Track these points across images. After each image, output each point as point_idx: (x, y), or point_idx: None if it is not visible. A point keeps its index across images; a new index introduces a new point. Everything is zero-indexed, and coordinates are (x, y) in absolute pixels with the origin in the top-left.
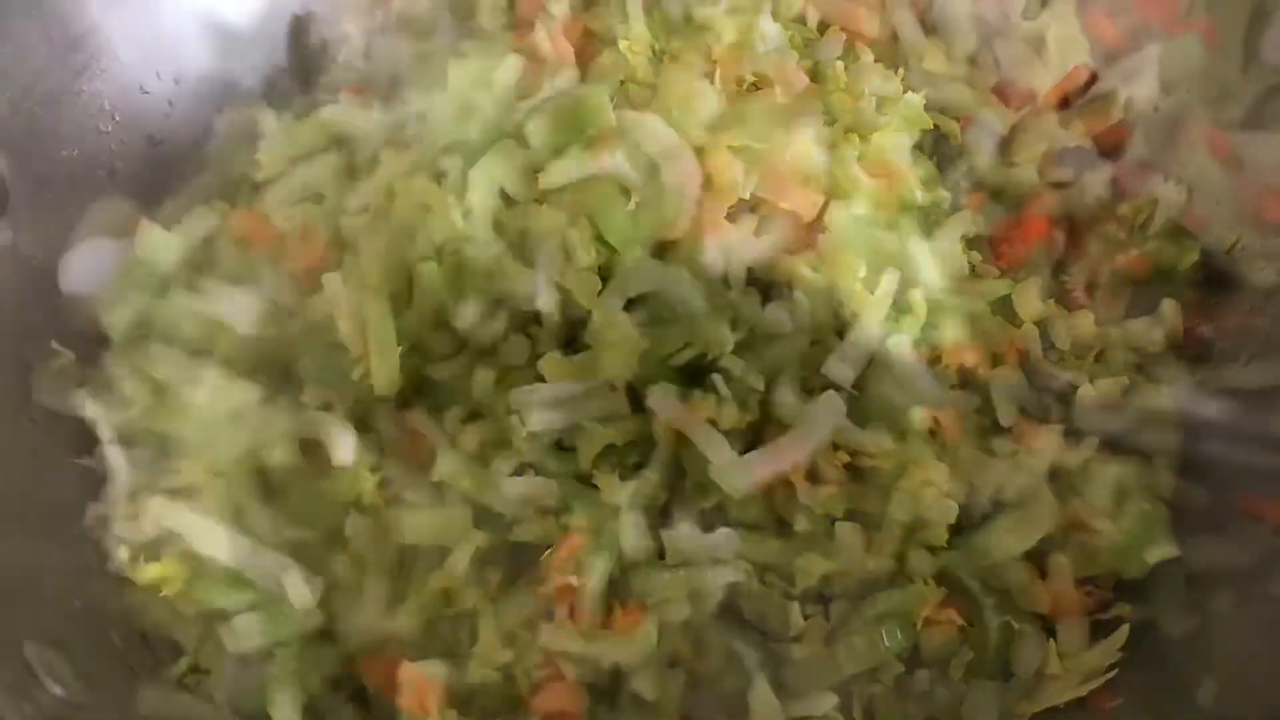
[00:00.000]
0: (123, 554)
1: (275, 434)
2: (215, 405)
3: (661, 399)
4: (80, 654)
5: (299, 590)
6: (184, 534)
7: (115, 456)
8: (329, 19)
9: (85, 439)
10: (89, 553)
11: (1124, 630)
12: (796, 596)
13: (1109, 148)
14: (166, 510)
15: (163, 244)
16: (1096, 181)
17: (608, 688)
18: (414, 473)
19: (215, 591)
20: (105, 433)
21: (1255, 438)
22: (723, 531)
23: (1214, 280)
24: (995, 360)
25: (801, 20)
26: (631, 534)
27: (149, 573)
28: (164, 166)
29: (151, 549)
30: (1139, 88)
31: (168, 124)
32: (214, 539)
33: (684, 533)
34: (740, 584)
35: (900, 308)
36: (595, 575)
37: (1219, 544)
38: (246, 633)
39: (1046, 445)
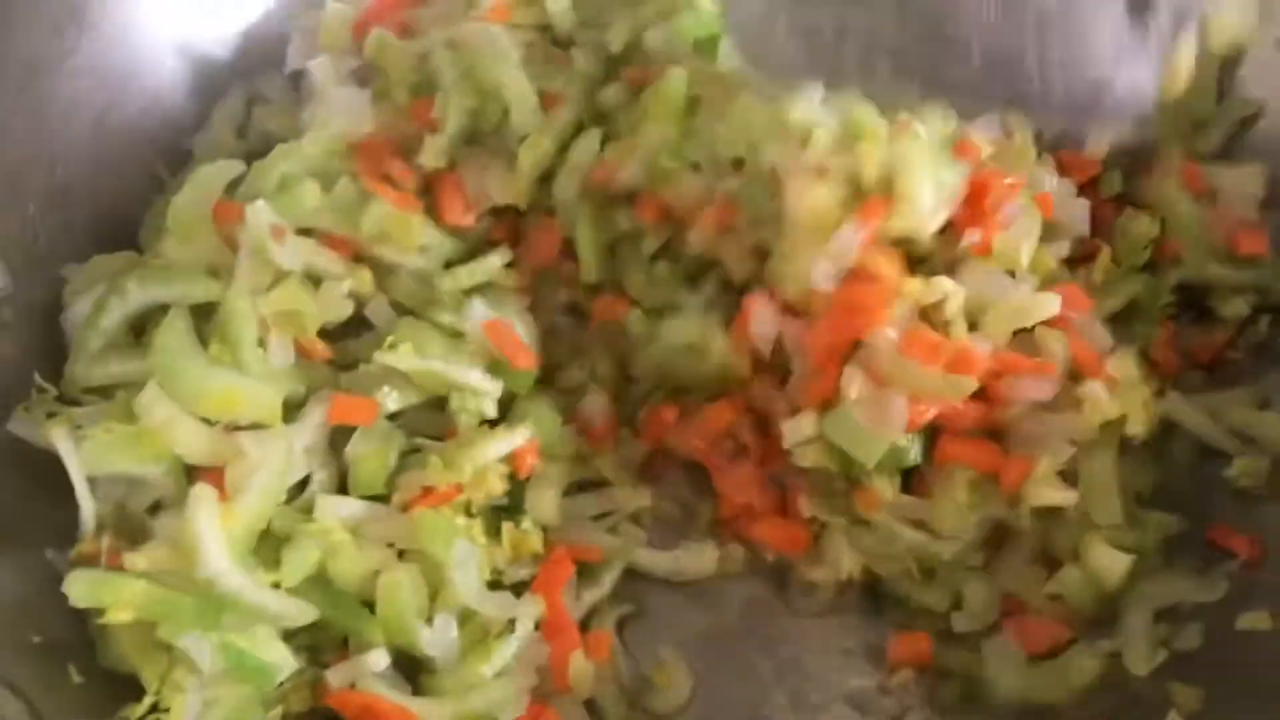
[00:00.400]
0: (87, 584)
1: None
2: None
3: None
4: (37, 693)
5: (289, 610)
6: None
7: (82, 489)
8: (304, 52)
9: (49, 466)
10: (50, 585)
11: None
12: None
13: (1083, 181)
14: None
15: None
16: (1075, 218)
17: None
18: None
19: (183, 622)
20: (72, 463)
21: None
22: (735, 546)
23: (1189, 313)
24: None
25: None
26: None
27: (115, 600)
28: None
29: (119, 582)
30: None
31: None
32: (197, 545)
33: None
34: (755, 596)
35: None
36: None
37: (1186, 579)
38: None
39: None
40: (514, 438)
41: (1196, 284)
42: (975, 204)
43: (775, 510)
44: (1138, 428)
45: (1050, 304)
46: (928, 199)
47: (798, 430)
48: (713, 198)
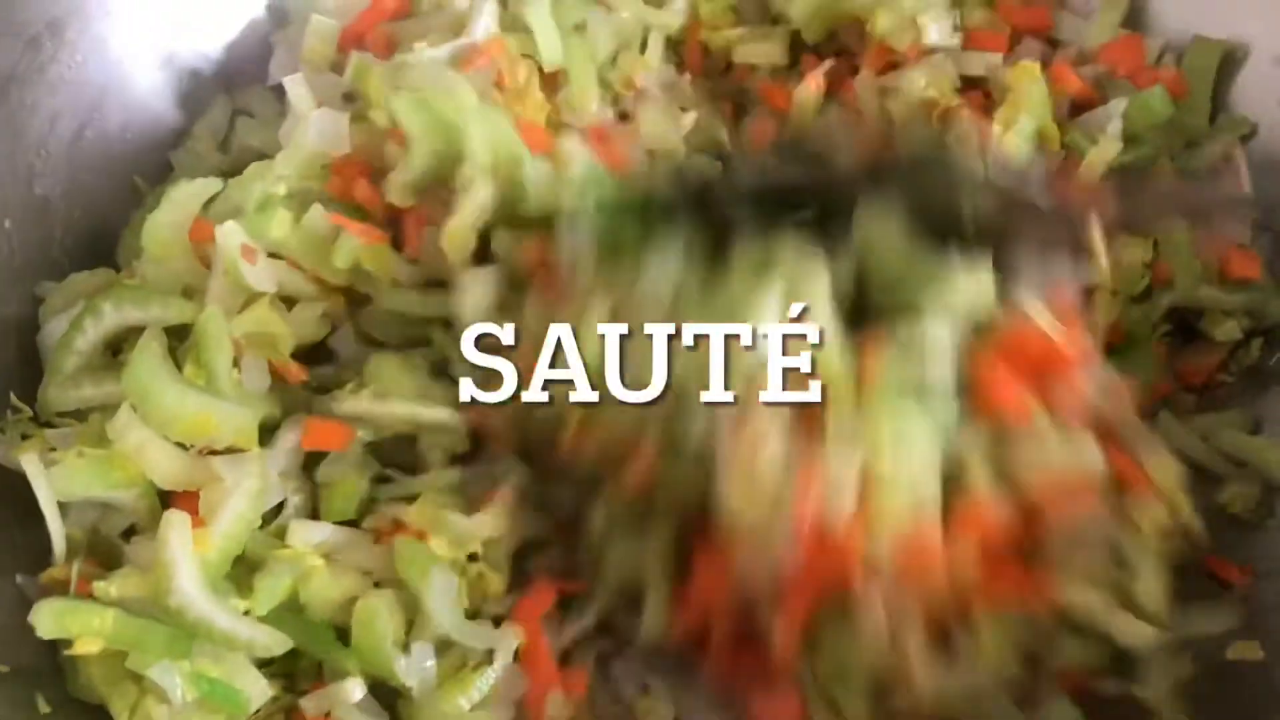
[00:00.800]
0: (55, 615)
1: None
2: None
3: None
4: None
5: (261, 638)
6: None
7: (52, 515)
8: (288, 65)
9: (21, 488)
10: (19, 611)
11: None
12: None
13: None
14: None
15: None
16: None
17: None
18: None
19: (154, 651)
20: (41, 488)
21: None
22: None
23: (1181, 336)
24: None
25: None
26: None
27: (84, 629)
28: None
29: (88, 612)
30: (1102, 146)
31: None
32: (169, 572)
33: None
34: None
35: None
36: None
37: (1193, 614)
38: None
39: None
40: (493, 525)
41: (1188, 307)
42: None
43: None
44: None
45: (1091, 459)
46: (905, 497)
47: None
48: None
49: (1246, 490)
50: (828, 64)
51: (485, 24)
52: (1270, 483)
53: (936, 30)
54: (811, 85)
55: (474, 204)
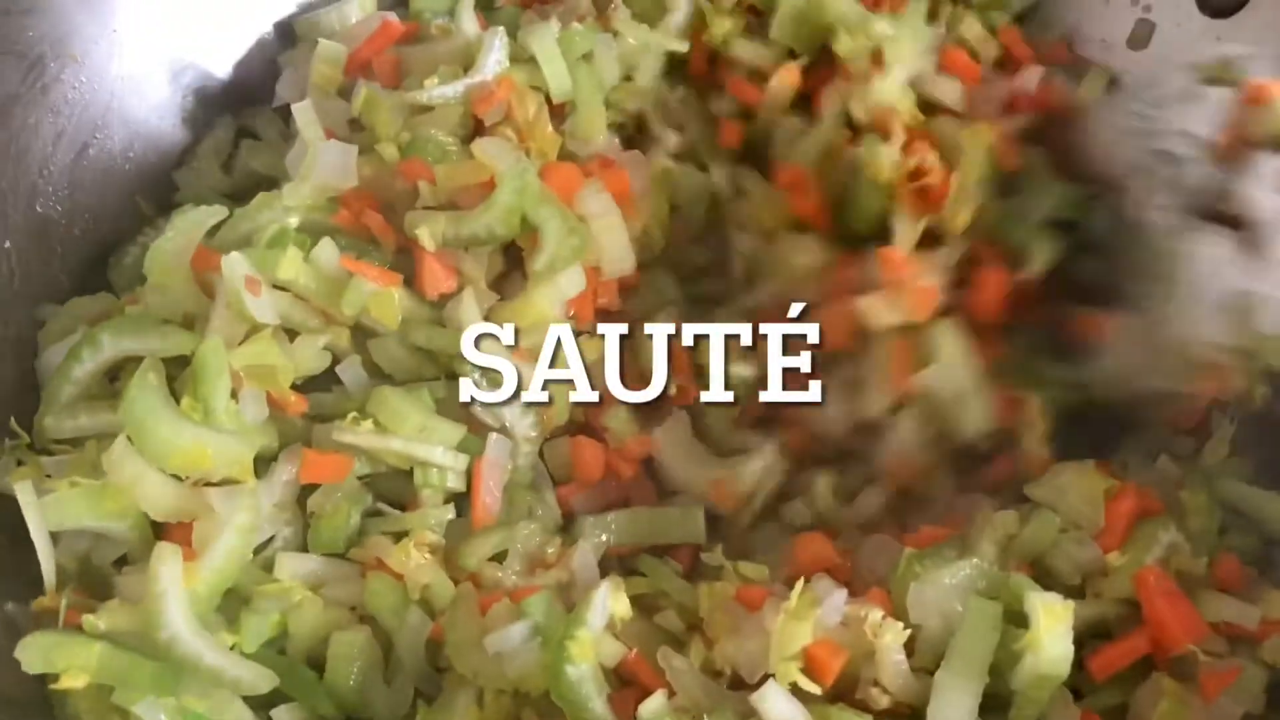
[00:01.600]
0: (41, 649)
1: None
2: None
3: None
4: None
5: (248, 676)
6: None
7: (43, 545)
8: (295, 87)
9: (14, 514)
10: (8, 640)
11: None
12: None
13: None
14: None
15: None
16: None
17: None
18: None
19: (141, 686)
20: (33, 518)
21: None
22: None
23: None
24: None
25: None
26: None
27: (70, 664)
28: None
29: (75, 645)
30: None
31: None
32: (159, 606)
33: None
34: None
35: None
36: None
37: None
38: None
39: None
40: None
41: None
42: None
43: None
44: None
45: None
46: None
47: None
48: None
49: (1244, 542)
50: (803, 60)
51: (497, 59)
52: (1269, 536)
53: (901, 70)
54: (786, 78)
55: (558, 290)
